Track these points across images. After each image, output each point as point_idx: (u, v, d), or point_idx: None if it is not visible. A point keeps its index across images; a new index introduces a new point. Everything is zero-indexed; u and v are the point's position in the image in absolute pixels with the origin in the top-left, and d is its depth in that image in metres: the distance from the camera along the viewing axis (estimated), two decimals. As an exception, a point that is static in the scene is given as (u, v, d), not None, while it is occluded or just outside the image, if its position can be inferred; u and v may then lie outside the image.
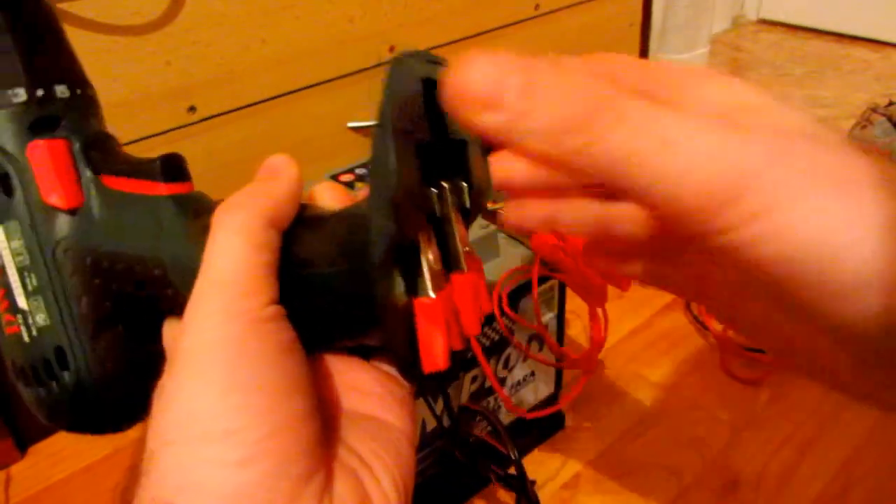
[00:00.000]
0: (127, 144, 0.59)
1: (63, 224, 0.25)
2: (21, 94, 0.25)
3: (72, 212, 0.26)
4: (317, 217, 0.26)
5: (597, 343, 0.49)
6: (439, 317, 0.22)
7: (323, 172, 0.62)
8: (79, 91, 0.27)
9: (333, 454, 0.23)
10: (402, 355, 0.24)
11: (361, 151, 0.81)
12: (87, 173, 0.26)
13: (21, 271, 0.25)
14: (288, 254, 0.24)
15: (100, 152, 0.27)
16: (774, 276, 0.16)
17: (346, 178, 0.60)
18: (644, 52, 1.20)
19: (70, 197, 0.25)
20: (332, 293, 0.24)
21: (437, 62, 0.23)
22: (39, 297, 0.26)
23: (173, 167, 0.27)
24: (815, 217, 0.15)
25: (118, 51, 0.59)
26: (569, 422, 0.64)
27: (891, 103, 0.99)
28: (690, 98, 0.20)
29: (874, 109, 0.99)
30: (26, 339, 0.26)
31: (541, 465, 0.60)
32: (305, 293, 0.24)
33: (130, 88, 0.61)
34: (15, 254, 0.25)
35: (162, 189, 0.26)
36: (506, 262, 0.51)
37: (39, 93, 0.26)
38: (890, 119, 0.95)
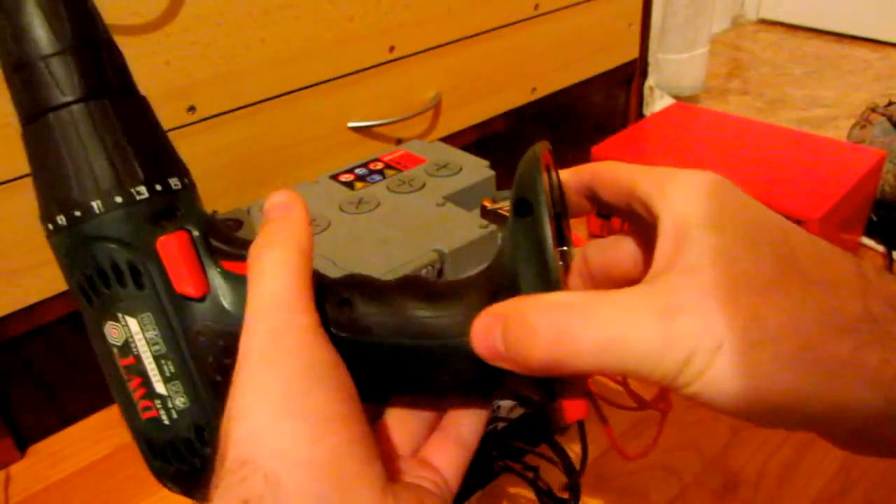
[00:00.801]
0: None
1: (194, 311, 0.27)
2: (143, 192, 0.27)
3: (201, 299, 0.27)
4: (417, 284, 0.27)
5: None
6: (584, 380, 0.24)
7: (323, 172, 0.62)
8: (186, 180, 0.29)
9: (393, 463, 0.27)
10: (543, 410, 0.25)
11: (361, 151, 0.81)
12: (209, 261, 0.27)
13: (157, 359, 0.26)
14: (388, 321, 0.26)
15: (216, 239, 0.28)
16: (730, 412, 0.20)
17: (346, 177, 0.60)
18: (644, 52, 1.20)
19: (198, 285, 0.27)
20: (447, 362, 0.26)
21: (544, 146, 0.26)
22: (177, 382, 0.27)
23: None
24: (739, 372, 0.19)
25: (118, 51, 0.59)
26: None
27: (890, 103, 0.99)
28: (661, 211, 0.23)
29: (874, 109, 0.99)
30: (166, 421, 0.27)
31: (541, 466, 0.60)
32: (400, 358, 0.26)
33: (130, 88, 0.61)
34: (151, 343, 0.26)
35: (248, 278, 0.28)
36: (506, 261, 0.51)
37: (158, 187, 0.27)
38: (890, 119, 0.95)
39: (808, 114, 1.37)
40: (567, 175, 0.28)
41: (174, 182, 0.28)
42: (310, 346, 0.23)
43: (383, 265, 0.47)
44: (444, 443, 0.28)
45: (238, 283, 0.27)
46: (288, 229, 0.27)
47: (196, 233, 0.27)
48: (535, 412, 0.27)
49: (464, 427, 0.28)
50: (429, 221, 0.52)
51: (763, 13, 1.89)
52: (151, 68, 0.61)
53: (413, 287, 0.27)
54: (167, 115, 0.65)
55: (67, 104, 0.26)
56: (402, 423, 0.29)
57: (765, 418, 0.20)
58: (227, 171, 0.70)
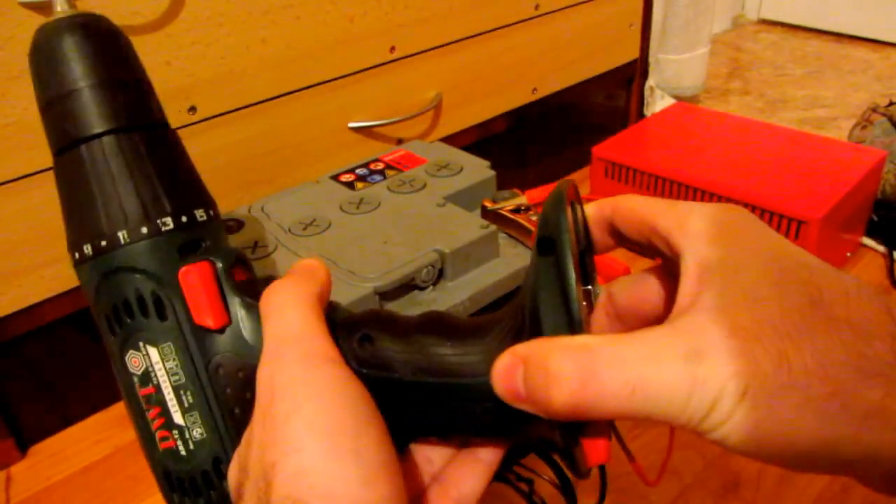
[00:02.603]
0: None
1: (214, 343, 0.27)
2: (168, 223, 0.27)
3: (221, 330, 0.27)
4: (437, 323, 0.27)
5: None
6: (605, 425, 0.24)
7: (323, 172, 0.62)
8: (212, 212, 0.29)
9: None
10: (566, 452, 0.25)
11: (361, 151, 0.81)
12: (232, 293, 0.28)
13: (177, 389, 0.27)
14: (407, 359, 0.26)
15: (239, 275, 0.28)
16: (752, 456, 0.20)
17: (347, 177, 0.60)
18: (644, 53, 1.20)
19: (218, 317, 0.27)
20: (473, 400, 0.25)
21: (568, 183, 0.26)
22: (196, 413, 0.27)
23: None
24: (764, 419, 0.19)
25: (118, 51, 0.59)
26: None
27: (891, 103, 0.99)
28: (683, 246, 0.23)
29: (874, 109, 0.99)
30: (183, 452, 0.27)
31: (541, 466, 0.60)
32: (427, 397, 0.26)
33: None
34: (170, 373, 0.26)
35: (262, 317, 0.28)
36: (506, 261, 0.51)
37: (183, 219, 0.27)
38: (890, 119, 0.95)
39: (809, 114, 1.37)
40: (590, 211, 0.27)
41: (200, 214, 0.28)
42: (345, 380, 0.23)
43: (384, 265, 0.47)
44: (467, 464, 0.28)
45: (258, 314, 0.27)
46: (305, 277, 0.27)
47: (220, 264, 0.28)
48: (558, 455, 0.27)
49: (486, 450, 0.28)
50: (429, 222, 0.52)
51: (764, 13, 1.89)
52: (152, 68, 0.61)
53: (435, 324, 0.27)
54: (168, 115, 0.65)
55: (99, 135, 0.27)
56: (425, 449, 0.28)
57: (793, 463, 0.20)
58: (227, 171, 0.71)
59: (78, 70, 0.27)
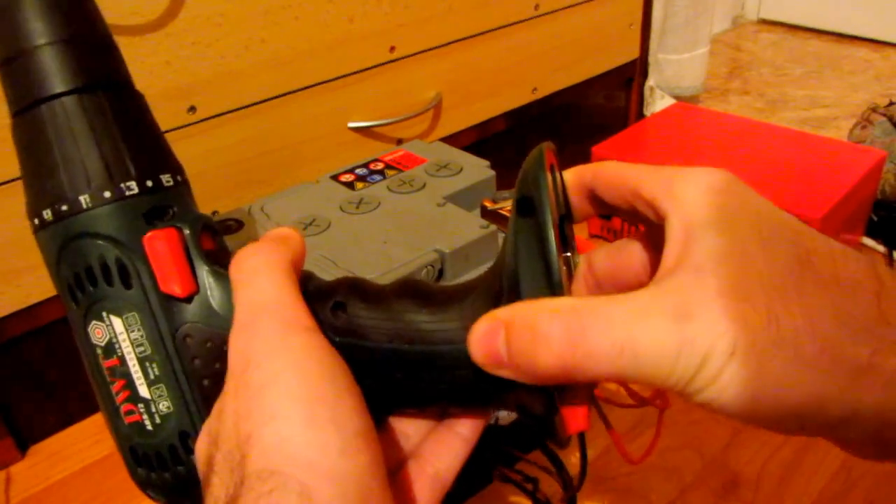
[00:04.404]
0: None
1: (181, 312, 0.26)
2: (133, 187, 0.26)
3: (188, 299, 0.26)
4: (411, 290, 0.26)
5: None
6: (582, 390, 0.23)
7: (323, 172, 0.62)
8: (179, 178, 0.28)
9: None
10: (544, 421, 0.24)
11: (361, 151, 0.81)
12: (200, 260, 0.27)
13: (142, 361, 0.26)
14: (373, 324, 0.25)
15: (209, 235, 0.27)
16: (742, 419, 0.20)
17: (347, 177, 0.60)
18: (644, 53, 1.20)
19: (186, 285, 0.26)
20: (449, 367, 0.25)
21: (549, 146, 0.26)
22: (162, 385, 0.26)
23: None
24: (755, 378, 0.19)
25: (118, 51, 0.59)
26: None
27: (891, 103, 0.99)
28: (672, 208, 0.22)
29: (874, 109, 0.99)
30: (149, 426, 0.26)
31: (540, 476, 0.60)
32: (408, 364, 0.25)
33: (130, 88, 0.61)
34: (135, 344, 0.26)
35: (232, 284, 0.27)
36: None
37: (149, 184, 0.26)
38: (890, 119, 0.95)
39: (809, 114, 1.37)
40: (569, 176, 0.27)
41: (166, 179, 0.27)
42: (322, 348, 0.23)
43: (384, 265, 0.47)
44: (444, 439, 0.28)
45: (229, 283, 0.26)
46: (278, 243, 0.26)
47: (187, 231, 0.27)
48: (533, 424, 0.26)
49: (464, 424, 0.28)
50: (429, 221, 0.52)
51: (763, 13, 1.89)
52: (151, 68, 0.61)
53: (411, 291, 0.26)
54: (167, 115, 0.65)
55: (60, 95, 0.25)
56: (401, 423, 0.28)
57: (780, 424, 0.20)
58: (227, 171, 0.70)
59: (38, 26, 0.25)
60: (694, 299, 0.19)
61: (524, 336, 0.21)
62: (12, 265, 0.60)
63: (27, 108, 0.26)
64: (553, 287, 0.22)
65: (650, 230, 0.26)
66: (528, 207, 0.23)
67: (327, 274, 0.46)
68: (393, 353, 0.25)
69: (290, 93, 0.72)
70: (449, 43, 0.85)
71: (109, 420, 0.27)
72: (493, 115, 0.94)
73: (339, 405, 0.21)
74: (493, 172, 0.59)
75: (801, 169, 0.85)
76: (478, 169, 0.59)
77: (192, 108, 0.66)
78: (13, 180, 0.58)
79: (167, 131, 0.66)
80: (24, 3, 0.25)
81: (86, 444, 0.69)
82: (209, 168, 0.69)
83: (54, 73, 0.25)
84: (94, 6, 0.28)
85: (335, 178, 0.60)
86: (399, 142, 0.83)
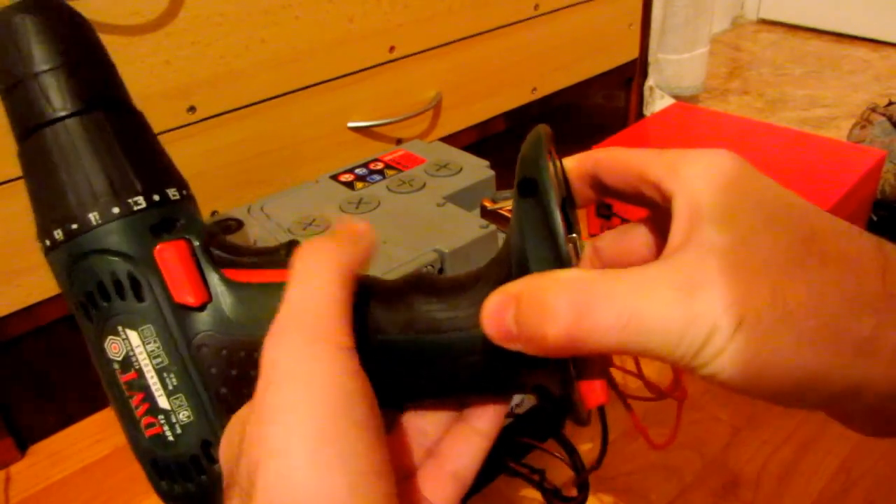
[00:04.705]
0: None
1: (195, 321, 0.26)
2: (141, 202, 0.26)
3: (201, 308, 0.26)
4: (439, 282, 0.27)
5: (679, 369, 0.48)
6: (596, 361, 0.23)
7: (323, 172, 0.62)
8: (185, 192, 0.29)
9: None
10: (563, 398, 0.24)
11: (361, 151, 0.81)
12: (210, 270, 0.27)
13: (160, 372, 0.26)
14: (403, 316, 0.25)
15: (217, 248, 0.28)
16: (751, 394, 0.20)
17: (346, 177, 0.60)
18: (644, 53, 1.20)
19: (199, 294, 0.26)
20: (469, 355, 0.25)
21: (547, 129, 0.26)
22: (181, 395, 0.26)
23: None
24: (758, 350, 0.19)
25: (118, 51, 0.59)
26: (569, 422, 0.64)
27: (891, 103, 0.99)
28: (678, 188, 0.23)
29: (874, 109, 0.99)
30: (170, 437, 0.26)
31: (543, 463, 0.60)
32: (425, 354, 0.25)
33: (130, 88, 0.61)
34: (152, 356, 0.26)
35: (286, 276, 0.27)
36: (506, 261, 0.51)
37: (155, 198, 0.27)
38: (890, 119, 0.95)
39: (809, 114, 1.37)
40: (570, 163, 0.27)
41: (172, 193, 0.28)
42: (347, 373, 0.22)
43: (384, 265, 0.47)
44: (463, 436, 0.27)
45: (241, 291, 0.27)
46: (345, 241, 0.25)
47: (196, 242, 0.27)
48: (553, 406, 0.26)
49: (482, 419, 0.27)
50: (429, 221, 0.52)
51: (763, 13, 1.89)
52: (151, 68, 0.61)
53: (420, 283, 0.26)
54: (167, 115, 0.65)
55: (62, 118, 0.26)
56: (419, 420, 0.28)
57: (784, 397, 0.20)
58: (227, 171, 0.71)
59: (36, 53, 0.26)
60: (700, 275, 0.20)
61: (532, 308, 0.21)
62: (12, 265, 0.60)
63: (31, 133, 0.27)
64: (560, 260, 0.22)
65: (654, 214, 0.26)
66: (529, 188, 0.23)
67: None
68: (406, 343, 0.25)
69: (290, 93, 0.73)
70: (449, 43, 0.85)
71: (129, 434, 0.27)
72: (493, 115, 0.94)
73: (349, 442, 0.21)
74: (492, 172, 0.59)
75: (801, 169, 0.85)
76: (478, 169, 0.59)
77: (192, 108, 0.66)
78: (13, 180, 0.58)
79: (167, 131, 0.66)
80: (22, 32, 0.26)
81: (86, 444, 0.69)
82: (209, 168, 0.69)
83: (56, 96, 0.26)
84: (91, 28, 0.28)
85: (335, 178, 0.60)
86: (399, 142, 0.83)
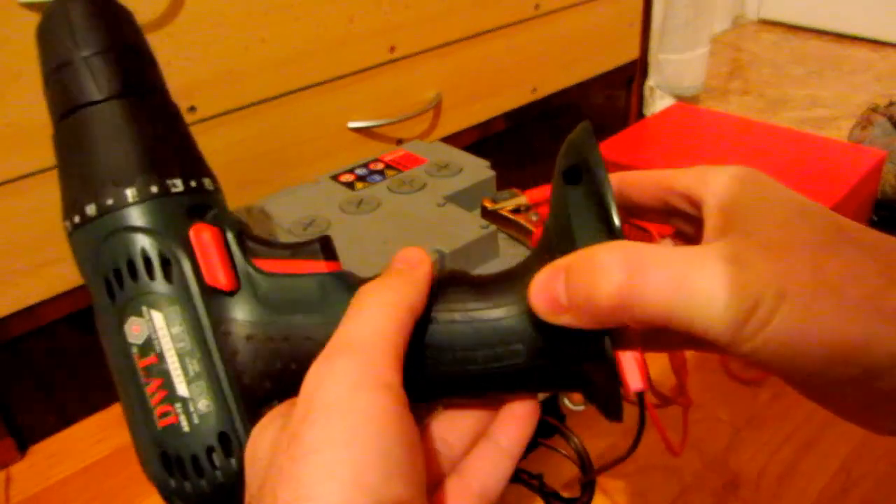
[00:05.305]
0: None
1: (224, 306, 0.26)
2: (178, 185, 0.27)
3: (231, 293, 0.26)
4: (473, 281, 0.27)
5: (684, 376, 0.48)
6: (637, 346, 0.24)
7: (323, 172, 0.62)
8: (217, 185, 0.29)
9: None
10: (607, 383, 0.24)
11: (362, 152, 0.81)
12: (242, 258, 0.27)
13: (182, 357, 0.25)
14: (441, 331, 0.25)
15: (249, 238, 0.28)
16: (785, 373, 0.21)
17: (347, 178, 0.60)
18: (644, 53, 1.20)
19: (230, 278, 0.26)
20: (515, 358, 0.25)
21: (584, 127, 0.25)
22: (202, 382, 0.25)
23: (329, 248, 0.28)
24: (808, 325, 0.20)
25: (118, 51, 0.59)
26: (569, 422, 0.64)
27: (891, 103, 0.99)
28: (705, 200, 0.23)
29: (874, 109, 0.99)
30: (186, 428, 0.25)
31: (541, 466, 0.60)
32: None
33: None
34: (176, 339, 0.25)
35: (323, 267, 0.27)
36: (506, 261, 0.51)
37: (192, 184, 0.27)
38: (890, 119, 0.95)
39: (809, 114, 1.37)
40: None
41: (208, 182, 0.28)
42: (390, 415, 0.21)
43: (384, 265, 0.47)
44: (488, 455, 0.27)
45: (273, 280, 0.26)
46: (406, 283, 0.25)
47: (229, 232, 0.27)
48: (595, 400, 0.26)
49: (509, 437, 0.27)
50: (429, 222, 0.52)
51: (764, 13, 1.89)
52: (152, 68, 0.61)
53: (453, 278, 0.26)
54: (167, 115, 0.65)
55: (106, 99, 0.27)
56: (444, 431, 0.27)
57: (827, 369, 0.20)
58: (227, 171, 0.70)
59: (88, 37, 0.27)
60: (744, 252, 0.20)
61: (584, 271, 0.22)
62: (13, 265, 0.60)
63: (72, 111, 0.27)
64: (614, 233, 0.23)
65: (680, 231, 0.27)
66: (576, 175, 0.24)
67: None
68: (448, 332, 0.25)
69: (290, 93, 0.73)
70: (449, 43, 0.85)
71: (138, 426, 0.26)
72: (493, 115, 0.94)
73: (387, 488, 0.20)
74: (493, 172, 0.59)
75: (801, 169, 0.85)
76: (478, 169, 0.59)
77: (193, 108, 0.66)
78: (13, 180, 0.58)
79: (167, 131, 0.66)
80: (74, 16, 0.27)
81: (86, 444, 0.69)
82: (209, 168, 0.69)
83: (102, 78, 0.27)
84: (133, 19, 0.29)
85: (335, 178, 0.60)
86: (399, 142, 0.83)
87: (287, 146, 0.75)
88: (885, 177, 0.91)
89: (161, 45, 0.62)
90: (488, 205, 0.56)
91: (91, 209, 0.26)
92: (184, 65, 0.64)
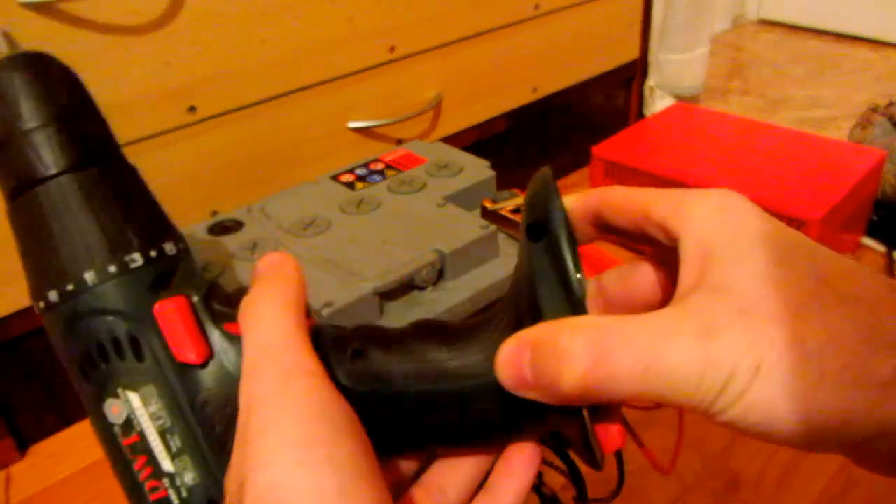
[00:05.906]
0: (127, 145, 0.60)
1: (198, 379, 0.25)
2: (137, 258, 0.26)
3: (204, 365, 0.25)
4: (432, 330, 0.26)
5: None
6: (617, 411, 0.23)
7: (323, 172, 0.62)
8: (181, 245, 0.28)
9: None
10: (580, 445, 0.24)
11: (362, 151, 0.81)
12: (211, 325, 0.26)
13: (163, 434, 0.25)
14: (388, 370, 0.25)
15: (217, 302, 0.27)
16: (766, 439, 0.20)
17: (347, 178, 0.60)
18: (644, 53, 1.20)
19: (200, 351, 0.25)
20: (472, 407, 0.24)
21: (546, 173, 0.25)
22: (185, 457, 0.25)
23: None
24: (780, 397, 0.19)
25: (118, 51, 0.59)
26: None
27: (891, 103, 0.99)
28: (684, 231, 0.22)
29: (875, 110, 0.99)
30: (176, 501, 0.25)
31: (541, 466, 0.60)
32: (421, 407, 0.25)
33: (130, 88, 0.61)
34: (154, 417, 0.25)
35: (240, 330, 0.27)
36: (506, 262, 0.51)
37: (153, 254, 0.26)
38: (890, 119, 0.95)
39: (809, 114, 1.37)
40: (572, 201, 0.26)
41: (169, 247, 0.27)
42: (322, 392, 0.22)
43: (384, 265, 0.47)
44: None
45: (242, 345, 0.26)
46: (280, 282, 0.25)
47: (195, 297, 0.26)
48: (568, 451, 0.26)
49: (506, 490, 0.27)
50: (429, 222, 0.52)
51: (764, 13, 1.89)
52: (151, 68, 0.61)
53: (428, 330, 0.26)
54: (167, 115, 0.65)
55: (54, 176, 0.26)
56: (440, 478, 0.27)
57: (806, 442, 0.19)
58: (227, 171, 0.70)
59: (26, 111, 0.26)
60: (717, 318, 0.19)
61: (548, 355, 0.21)
62: (12, 265, 0.60)
63: (22, 191, 0.26)
64: (575, 306, 0.22)
65: (658, 251, 0.26)
66: (539, 231, 0.23)
67: (328, 274, 0.46)
68: (418, 395, 0.25)
69: (290, 93, 0.73)
70: (449, 43, 0.85)
71: (133, 498, 0.27)
72: (493, 115, 0.94)
73: (336, 446, 0.21)
74: (493, 172, 0.59)
75: (801, 169, 0.85)
76: (478, 169, 0.59)
77: (192, 108, 0.66)
78: (13, 180, 0.58)
79: (167, 131, 0.66)
80: (10, 89, 0.26)
81: (86, 444, 0.69)
82: (209, 168, 0.69)
83: (47, 154, 0.26)
84: (81, 83, 0.28)
85: (335, 178, 0.60)
86: (399, 142, 0.83)
87: (287, 146, 0.75)
88: (885, 177, 0.91)
89: (161, 45, 0.62)
90: (488, 205, 0.56)
91: (53, 296, 0.26)
92: (184, 65, 0.64)
